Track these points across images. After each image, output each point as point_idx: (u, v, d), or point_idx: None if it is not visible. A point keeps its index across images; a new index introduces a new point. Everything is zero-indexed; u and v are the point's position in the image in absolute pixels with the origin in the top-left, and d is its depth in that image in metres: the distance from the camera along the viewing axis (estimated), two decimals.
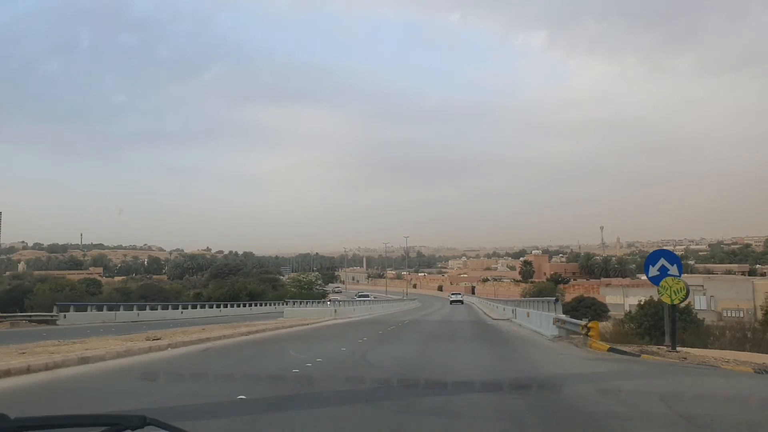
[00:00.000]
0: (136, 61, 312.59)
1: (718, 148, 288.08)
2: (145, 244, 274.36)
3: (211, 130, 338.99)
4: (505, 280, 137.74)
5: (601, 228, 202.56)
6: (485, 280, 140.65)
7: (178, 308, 46.04)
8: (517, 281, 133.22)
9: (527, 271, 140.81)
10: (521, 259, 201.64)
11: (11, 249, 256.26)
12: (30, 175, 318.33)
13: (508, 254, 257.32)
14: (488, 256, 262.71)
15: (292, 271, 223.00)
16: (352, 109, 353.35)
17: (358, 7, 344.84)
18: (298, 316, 35.81)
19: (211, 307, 53.14)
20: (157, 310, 44.10)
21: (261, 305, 61.86)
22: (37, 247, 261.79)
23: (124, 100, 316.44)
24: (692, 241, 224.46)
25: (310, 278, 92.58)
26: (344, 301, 52.97)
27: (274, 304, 60.65)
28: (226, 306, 56.10)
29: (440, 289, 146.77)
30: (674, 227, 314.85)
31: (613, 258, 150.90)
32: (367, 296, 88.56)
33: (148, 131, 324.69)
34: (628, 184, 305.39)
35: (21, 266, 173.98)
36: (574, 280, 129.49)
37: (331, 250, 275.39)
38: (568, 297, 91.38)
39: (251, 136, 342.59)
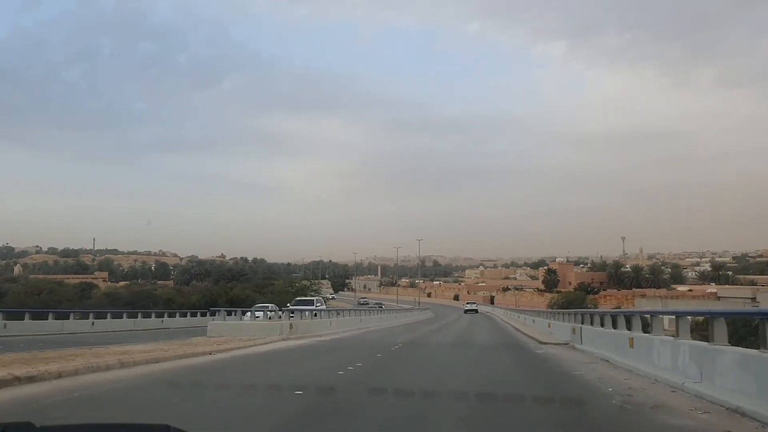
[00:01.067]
0: (156, 70, 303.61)
1: (740, 160, 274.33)
2: (160, 251, 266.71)
3: (230, 139, 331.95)
4: (527, 290, 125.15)
5: (623, 238, 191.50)
6: (506, 289, 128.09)
7: (89, 317, 34.61)
8: (541, 291, 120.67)
9: (551, 280, 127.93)
10: (545, 267, 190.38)
11: (23, 253, 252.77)
12: (52, 181, 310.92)
13: (526, 264, 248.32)
14: (506, 265, 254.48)
15: (302, 279, 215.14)
16: (369, 119, 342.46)
17: (378, 16, 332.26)
18: (227, 333, 23.66)
19: (136, 316, 41.24)
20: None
21: (198, 315, 48.73)
22: (52, 251, 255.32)
23: (144, 108, 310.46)
24: (715, 254, 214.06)
25: (303, 283, 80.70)
26: (326, 310, 40.70)
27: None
28: (151, 317, 44.13)
29: (456, 298, 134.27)
30: (695, 239, 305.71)
31: (644, 267, 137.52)
32: (366, 303, 76.68)
33: (168, 139, 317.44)
34: (648, 196, 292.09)
35: (17, 269, 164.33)
36: (604, 290, 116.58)
37: (347, 259, 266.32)
38: (601, 308, 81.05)
39: (269, 144, 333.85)
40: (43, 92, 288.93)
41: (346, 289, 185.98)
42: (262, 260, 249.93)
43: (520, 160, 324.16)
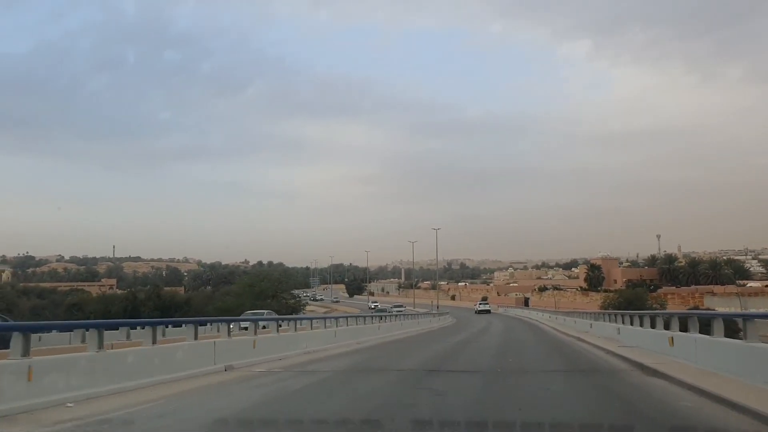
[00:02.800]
0: (180, 78, 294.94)
1: None
2: (184, 257, 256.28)
3: (253, 145, 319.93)
4: (567, 290, 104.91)
5: (658, 236, 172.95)
6: (542, 289, 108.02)
7: None
8: (584, 290, 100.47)
9: (595, 278, 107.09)
10: (586, 264, 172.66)
11: (42, 261, 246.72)
12: (77, 191, 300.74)
13: (558, 265, 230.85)
14: (537, 267, 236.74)
15: (321, 283, 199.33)
16: (392, 122, 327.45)
17: (399, 19, 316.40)
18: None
19: None
20: None
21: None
22: (74, 260, 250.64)
23: (168, 117, 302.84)
24: (753, 251, 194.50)
25: (262, 286, 61.99)
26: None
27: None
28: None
29: (484, 300, 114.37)
30: (729, 237, 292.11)
31: (702, 263, 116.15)
32: (376, 306, 57.24)
33: (192, 147, 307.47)
34: (678, 194, 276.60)
35: (5, 276, 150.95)
36: (659, 287, 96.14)
37: (369, 262, 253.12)
38: (671, 309, 61.59)
39: (291, 150, 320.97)
40: (69, 102, 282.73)
41: (364, 293, 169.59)
42: (280, 264, 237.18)
43: (546, 161, 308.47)
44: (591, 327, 30.59)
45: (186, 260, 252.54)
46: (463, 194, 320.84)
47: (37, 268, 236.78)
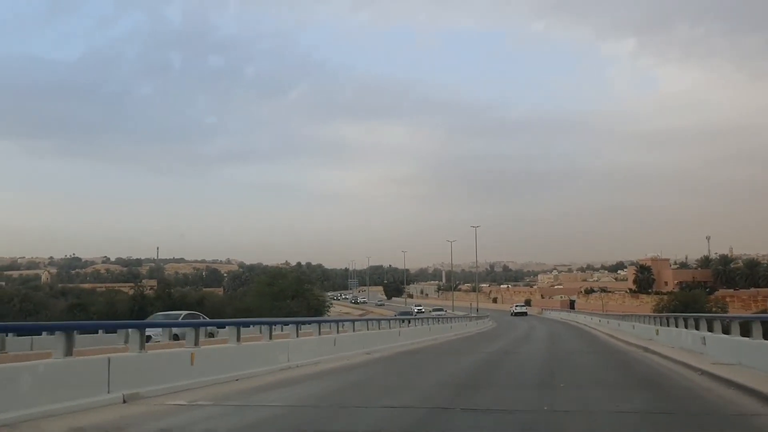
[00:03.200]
0: (225, 82, 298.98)
1: None
2: (227, 259, 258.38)
3: (295, 148, 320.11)
4: (616, 292, 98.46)
5: (708, 238, 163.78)
6: (588, 291, 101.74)
7: None
8: (633, 292, 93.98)
9: (644, 280, 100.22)
10: (635, 266, 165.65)
11: (87, 263, 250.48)
12: (126, 193, 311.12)
13: (603, 267, 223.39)
14: (581, 269, 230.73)
15: (359, 285, 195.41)
16: (433, 123, 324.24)
17: (439, 19, 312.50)
18: None
19: None
20: None
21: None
22: (119, 261, 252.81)
23: (214, 121, 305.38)
24: None
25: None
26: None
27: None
28: None
29: (528, 303, 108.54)
30: None
31: (761, 264, 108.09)
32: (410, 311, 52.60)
33: (237, 151, 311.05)
34: (728, 194, 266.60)
35: (44, 276, 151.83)
36: (714, 290, 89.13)
37: (409, 264, 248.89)
38: (734, 312, 55.29)
39: (333, 152, 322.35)
40: (118, 108, 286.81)
41: (403, 295, 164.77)
42: (319, 265, 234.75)
43: (590, 161, 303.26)
44: (657, 334, 25.44)
45: (228, 261, 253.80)
46: (506, 196, 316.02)
47: (82, 270, 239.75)
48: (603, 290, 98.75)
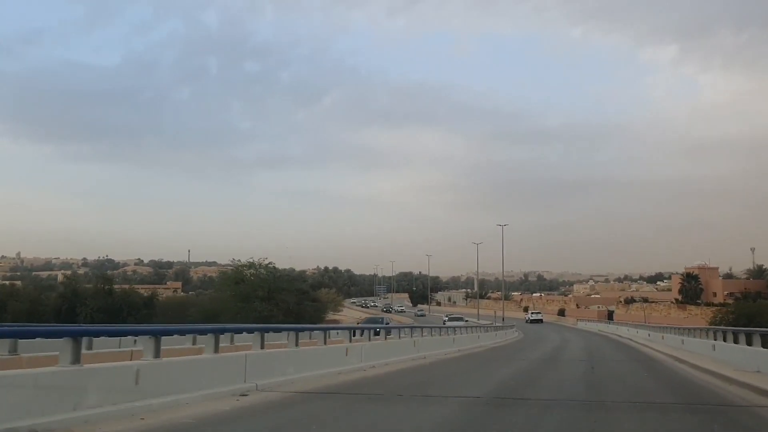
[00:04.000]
0: (260, 88, 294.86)
1: None
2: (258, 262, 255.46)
3: (330, 154, 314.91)
4: (660, 303, 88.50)
5: (752, 249, 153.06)
6: (629, 301, 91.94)
7: None
8: (680, 303, 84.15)
9: (691, 290, 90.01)
10: (670, 276, 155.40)
11: (120, 265, 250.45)
12: (162, 196, 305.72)
13: (642, 278, 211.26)
14: (619, 280, 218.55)
15: (387, 291, 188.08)
16: (468, 130, 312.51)
17: (475, 25, 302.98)
18: None
19: None
20: None
21: None
22: (151, 263, 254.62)
23: (249, 127, 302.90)
24: None
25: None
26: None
27: None
28: None
29: (562, 313, 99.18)
30: None
31: None
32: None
33: (272, 156, 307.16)
34: None
35: (60, 277, 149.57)
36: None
37: (440, 272, 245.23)
38: None
39: (367, 158, 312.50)
40: (156, 113, 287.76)
41: (433, 303, 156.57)
42: (348, 270, 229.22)
43: (629, 171, 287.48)
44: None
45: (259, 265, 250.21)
46: (542, 204, 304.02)
47: (115, 271, 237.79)
48: (645, 300, 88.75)
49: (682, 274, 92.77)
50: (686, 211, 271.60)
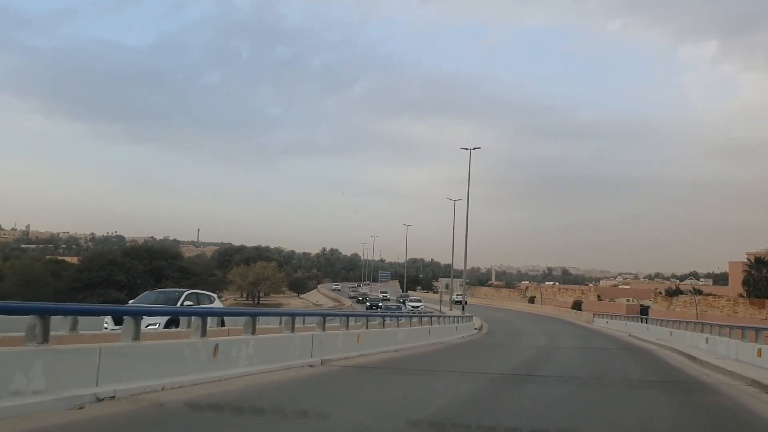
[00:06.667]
0: (290, 73, 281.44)
1: None
2: (277, 247, 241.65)
3: (359, 143, 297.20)
4: (719, 296, 59.57)
5: None
6: (671, 293, 63.14)
7: None
8: (742, 296, 55.98)
9: (760, 280, 61.46)
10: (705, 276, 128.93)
11: (129, 241, 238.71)
12: (188, 178, 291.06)
13: (674, 276, 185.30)
14: (649, 277, 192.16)
15: (391, 278, 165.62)
16: (499, 124, 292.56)
17: (509, 16, 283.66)
18: None
19: None
20: None
21: None
22: (164, 241, 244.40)
23: (279, 113, 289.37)
24: None
25: None
26: None
27: None
28: None
29: (577, 306, 71.49)
30: None
31: None
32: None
33: (301, 143, 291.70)
34: None
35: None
36: None
37: (460, 264, 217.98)
38: None
39: (397, 148, 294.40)
40: (186, 95, 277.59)
41: (432, 291, 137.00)
42: (356, 255, 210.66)
43: (664, 170, 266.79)
44: None
45: (277, 249, 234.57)
46: (570, 200, 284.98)
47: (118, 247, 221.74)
48: (698, 292, 59.88)
49: (748, 261, 63.79)
50: (719, 212, 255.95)
